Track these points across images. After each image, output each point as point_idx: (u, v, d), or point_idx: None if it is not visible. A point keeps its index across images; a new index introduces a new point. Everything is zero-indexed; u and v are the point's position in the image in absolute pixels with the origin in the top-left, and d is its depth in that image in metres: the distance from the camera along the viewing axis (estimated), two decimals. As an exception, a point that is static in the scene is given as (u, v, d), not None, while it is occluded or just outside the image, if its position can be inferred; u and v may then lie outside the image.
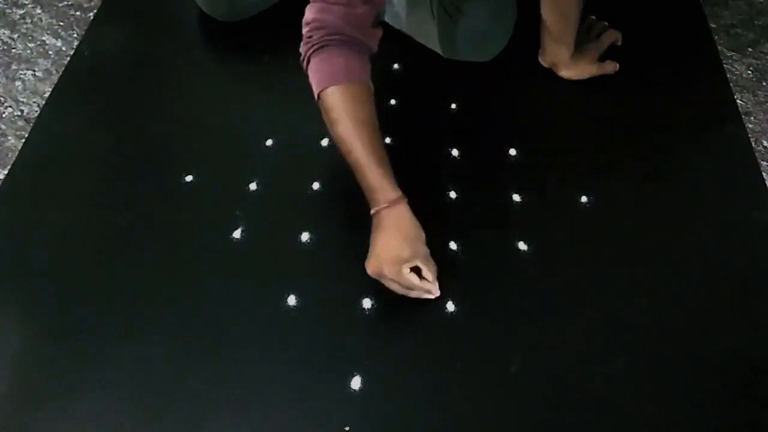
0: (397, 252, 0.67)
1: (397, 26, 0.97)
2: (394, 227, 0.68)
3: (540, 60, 0.94)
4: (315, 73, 0.72)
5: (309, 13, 0.73)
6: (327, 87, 0.70)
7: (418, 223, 0.69)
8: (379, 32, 0.76)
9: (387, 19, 0.98)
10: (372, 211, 0.69)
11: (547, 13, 0.86)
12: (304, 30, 0.73)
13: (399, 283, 0.68)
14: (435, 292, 0.69)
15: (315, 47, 0.72)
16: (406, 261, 0.67)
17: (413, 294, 0.69)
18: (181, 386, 0.66)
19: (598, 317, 0.71)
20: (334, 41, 0.71)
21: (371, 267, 0.68)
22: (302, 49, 0.74)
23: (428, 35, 0.92)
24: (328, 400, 0.65)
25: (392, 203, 0.68)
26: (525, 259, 0.75)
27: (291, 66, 0.97)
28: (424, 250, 0.69)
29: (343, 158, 0.71)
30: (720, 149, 0.87)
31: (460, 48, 0.92)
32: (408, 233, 0.68)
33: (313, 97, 0.72)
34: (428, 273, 0.68)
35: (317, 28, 0.72)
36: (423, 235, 0.69)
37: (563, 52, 0.90)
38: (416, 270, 0.68)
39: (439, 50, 0.93)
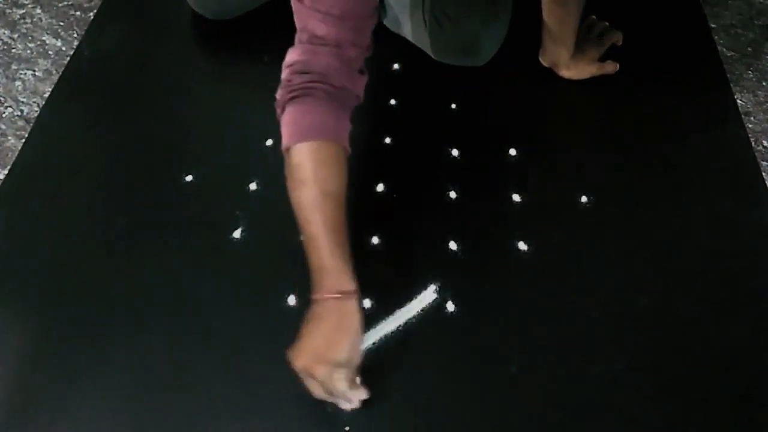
0: (335, 351, 0.58)
1: (396, 30, 0.97)
2: (339, 323, 0.59)
3: (540, 60, 0.94)
4: (288, 124, 0.64)
5: (292, 55, 0.66)
6: (298, 142, 0.62)
7: (361, 320, 0.60)
8: (365, 80, 0.68)
9: (386, 23, 0.98)
10: (315, 296, 0.60)
11: (548, 13, 0.86)
12: (284, 73, 0.65)
13: (325, 388, 0.59)
14: (355, 403, 0.62)
15: (294, 94, 0.64)
16: (342, 367, 0.59)
17: (330, 399, 0.61)
18: (181, 386, 0.66)
19: (598, 317, 0.71)
20: (318, 90, 0.63)
21: (301, 360, 0.59)
22: (279, 94, 0.66)
23: (422, 41, 0.92)
24: (328, 401, 0.65)
25: (344, 295, 0.59)
26: (525, 259, 0.75)
27: (291, 66, 0.97)
28: (359, 358, 0.61)
29: (300, 226, 0.62)
30: (720, 149, 0.87)
31: (451, 55, 0.91)
32: (352, 335, 0.59)
33: (280, 149, 0.64)
34: (350, 379, 0.60)
35: (300, 72, 0.64)
36: (361, 335, 0.61)
37: (564, 52, 0.90)
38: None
39: (432, 56, 0.93)
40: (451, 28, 0.88)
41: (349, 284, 0.60)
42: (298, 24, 0.67)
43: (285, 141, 0.64)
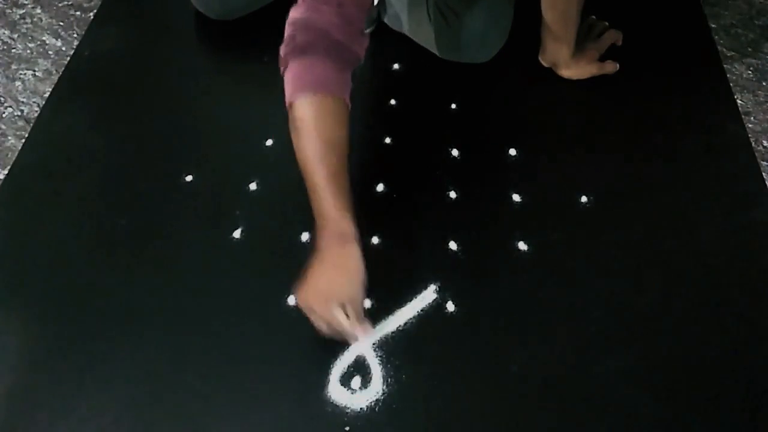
0: (335, 289, 0.62)
1: (397, 28, 0.97)
2: (339, 263, 0.62)
3: (540, 59, 0.94)
4: (290, 79, 0.66)
5: (294, 12, 0.67)
6: (301, 96, 0.64)
7: (362, 264, 0.63)
8: (367, 41, 0.70)
9: (387, 20, 0.98)
10: (320, 241, 0.63)
11: (548, 12, 0.86)
12: (288, 30, 0.67)
13: (327, 323, 0.63)
14: (360, 336, 0.64)
15: (297, 50, 0.66)
16: (341, 301, 0.62)
17: (337, 336, 0.64)
18: (180, 386, 0.67)
19: (598, 317, 0.71)
20: (319, 46, 0.65)
21: (301, 297, 0.63)
22: (282, 50, 0.67)
23: (426, 37, 0.92)
24: (328, 401, 0.65)
25: (345, 239, 0.62)
26: (525, 259, 0.75)
27: (291, 66, 0.97)
28: (362, 298, 0.63)
29: (303, 177, 0.65)
30: (720, 149, 0.87)
31: (455, 50, 0.91)
32: (353, 274, 0.62)
33: (284, 103, 0.66)
34: (355, 319, 0.62)
35: (303, 28, 0.66)
36: (365, 279, 0.63)
37: (563, 51, 0.90)
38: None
39: (436, 52, 0.93)
40: (456, 24, 0.88)
41: (349, 229, 0.63)
42: None
43: (288, 95, 0.66)
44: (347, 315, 0.62)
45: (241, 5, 0.99)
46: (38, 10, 1.15)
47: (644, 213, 0.80)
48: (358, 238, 0.64)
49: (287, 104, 0.66)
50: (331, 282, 0.62)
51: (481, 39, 0.91)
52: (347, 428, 0.63)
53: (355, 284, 0.63)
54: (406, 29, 0.94)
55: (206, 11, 0.99)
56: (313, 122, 0.64)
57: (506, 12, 0.91)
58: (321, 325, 0.63)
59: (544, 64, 0.94)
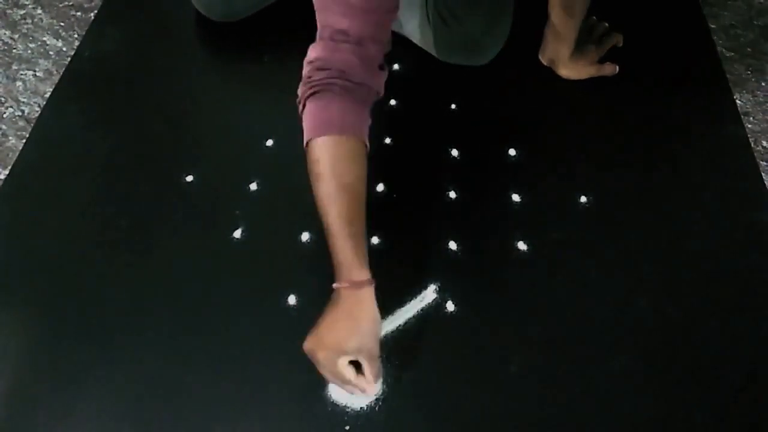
0: (342, 340, 0.59)
1: (398, 30, 0.97)
2: (349, 311, 0.60)
3: (540, 57, 0.94)
4: (309, 118, 0.64)
5: (313, 52, 0.66)
6: (318, 136, 0.63)
7: (378, 315, 0.62)
8: (386, 75, 0.69)
9: None
10: (334, 285, 0.62)
11: (552, 5, 0.85)
12: (306, 69, 0.66)
13: (329, 374, 0.61)
14: (370, 391, 0.60)
15: (314, 89, 0.64)
16: (346, 354, 0.59)
17: (346, 389, 0.62)
18: (180, 386, 0.67)
19: (598, 317, 0.71)
20: (337, 86, 0.64)
21: (307, 344, 0.61)
22: (300, 90, 0.66)
23: (425, 39, 0.92)
24: (328, 401, 0.65)
25: (356, 285, 0.60)
26: (525, 259, 0.75)
27: (291, 66, 0.96)
28: (373, 346, 0.61)
29: (321, 218, 0.64)
30: (719, 149, 0.87)
31: (454, 53, 0.92)
32: (362, 323, 0.60)
33: (302, 144, 0.65)
34: (369, 371, 0.60)
35: (320, 69, 0.65)
36: (379, 329, 0.62)
37: (564, 49, 0.90)
38: (356, 364, 0.60)
39: (435, 54, 0.93)
40: (456, 26, 0.88)
41: (361, 275, 0.61)
42: (319, 20, 0.67)
43: (305, 136, 0.65)
44: (359, 366, 0.60)
45: (243, 7, 0.99)
46: (39, 11, 1.15)
47: (644, 213, 0.80)
48: (373, 283, 0.62)
49: (304, 144, 0.65)
50: (341, 333, 0.60)
51: (480, 42, 0.91)
52: (347, 428, 0.63)
53: (367, 335, 0.60)
54: (406, 31, 0.94)
55: (208, 13, 0.99)
56: (328, 165, 0.63)
57: (505, 15, 0.91)
58: (323, 373, 0.62)
59: (544, 62, 0.94)
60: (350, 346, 0.59)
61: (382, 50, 0.68)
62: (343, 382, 0.60)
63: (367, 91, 0.67)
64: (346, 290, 0.61)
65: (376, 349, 0.61)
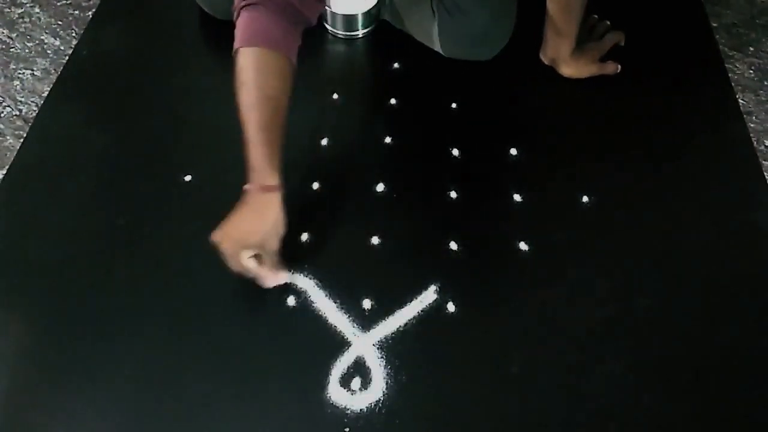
0: (246, 235, 0.66)
1: (398, 26, 0.97)
2: (256, 211, 0.67)
3: (541, 56, 0.93)
4: (240, 28, 0.69)
5: None
6: (246, 46, 0.68)
7: (282, 218, 0.68)
8: (321, 6, 0.74)
9: (387, 17, 0.98)
10: (245, 187, 0.68)
11: (552, 3, 0.85)
12: None
13: (232, 262, 0.67)
14: (269, 281, 0.68)
15: (247, 2, 0.69)
16: (249, 247, 0.66)
17: (248, 277, 0.68)
18: (180, 386, 0.66)
19: (598, 317, 0.71)
20: (268, 3, 0.69)
21: (215, 237, 0.67)
22: (236, 2, 0.71)
23: (428, 34, 0.92)
24: (328, 402, 0.65)
25: (265, 189, 0.67)
26: (525, 259, 0.75)
27: (290, 65, 0.97)
28: (274, 243, 0.68)
29: (241, 125, 0.69)
30: (721, 149, 0.87)
31: (460, 47, 0.91)
32: (266, 224, 0.67)
33: (231, 53, 0.70)
34: (268, 263, 0.67)
35: None
36: (281, 231, 0.68)
37: (565, 47, 0.89)
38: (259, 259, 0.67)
39: (439, 48, 0.92)
40: (462, 19, 0.88)
41: (273, 180, 0.67)
42: None
43: (235, 44, 0.69)
44: (262, 261, 0.67)
45: None
46: (37, 9, 1.15)
47: (645, 213, 0.80)
48: (281, 188, 0.68)
49: (234, 52, 0.69)
50: (247, 229, 0.67)
51: (486, 35, 0.90)
52: (347, 429, 0.63)
53: (271, 232, 0.67)
54: (407, 26, 0.94)
55: (213, 12, 0.99)
56: (252, 73, 0.67)
57: (511, 8, 0.91)
58: (231, 266, 0.68)
59: (545, 60, 0.93)
60: (253, 240, 0.66)
61: None
62: (245, 271, 0.67)
63: (299, 14, 0.71)
64: (255, 192, 0.67)
65: (275, 246, 0.69)
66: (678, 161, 0.85)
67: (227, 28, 1.00)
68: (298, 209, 0.80)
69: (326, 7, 0.98)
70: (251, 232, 0.67)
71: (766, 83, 1.00)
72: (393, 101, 0.92)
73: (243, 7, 0.70)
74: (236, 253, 0.66)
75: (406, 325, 0.70)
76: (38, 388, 0.67)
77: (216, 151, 0.87)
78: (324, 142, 0.87)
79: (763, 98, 0.98)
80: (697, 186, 0.83)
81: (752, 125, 0.93)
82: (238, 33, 0.69)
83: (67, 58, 1.01)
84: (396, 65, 0.96)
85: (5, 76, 1.04)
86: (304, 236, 0.77)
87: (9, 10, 1.15)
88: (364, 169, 0.83)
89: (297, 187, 0.82)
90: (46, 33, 1.10)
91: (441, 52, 0.92)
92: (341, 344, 0.69)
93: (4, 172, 0.87)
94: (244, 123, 0.68)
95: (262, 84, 0.67)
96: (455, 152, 0.86)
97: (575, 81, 0.92)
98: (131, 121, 0.92)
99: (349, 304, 0.71)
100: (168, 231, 0.79)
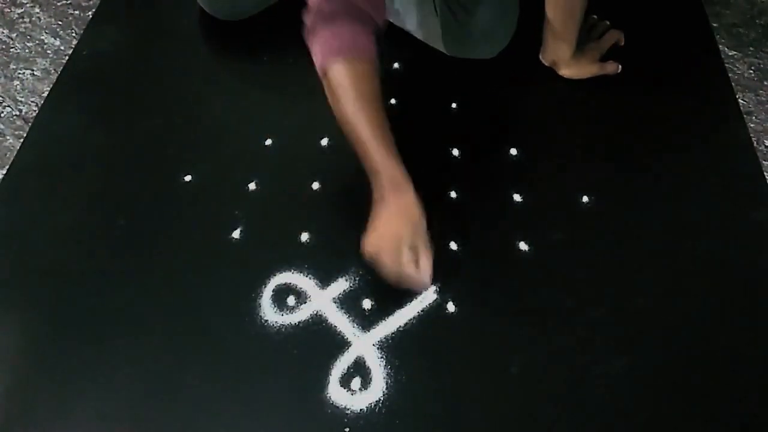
0: (399, 231, 0.65)
1: (398, 24, 0.96)
2: (399, 212, 0.66)
3: (541, 58, 0.93)
4: (322, 44, 0.68)
5: None
6: (334, 61, 0.67)
7: (422, 210, 0.67)
8: (385, 10, 0.74)
9: (388, 16, 0.98)
10: (376, 195, 0.67)
11: (551, 7, 0.85)
12: (312, 0, 0.70)
13: (394, 268, 0.66)
14: (428, 281, 0.68)
15: (325, 18, 0.68)
16: (407, 242, 0.65)
17: (404, 284, 0.68)
18: (180, 386, 0.66)
19: (598, 317, 0.71)
20: (342, 13, 0.68)
21: (370, 245, 0.67)
22: (308, 18, 0.70)
23: (431, 32, 0.92)
24: (328, 402, 0.65)
25: (399, 187, 0.66)
26: (525, 259, 0.75)
27: (291, 66, 0.97)
28: (426, 239, 0.67)
29: (348, 138, 0.69)
30: (721, 149, 0.87)
31: (463, 45, 0.91)
32: (412, 218, 0.66)
33: (316, 70, 0.69)
34: (425, 261, 0.67)
35: None
36: (425, 222, 0.68)
37: (564, 49, 0.89)
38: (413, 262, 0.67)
39: (441, 47, 0.92)
40: (464, 17, 0.87)
41: (403, 179, 0.67)
42: None
43: (320, 62, 0.69)
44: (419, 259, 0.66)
45: (249, 6, 0.99)
46: (37, 9, 1.15)
47: (645, 213, 0.80)
48: (411, 184, 0.67)
49: (320, 71, 0.69)
50: (396, 229, 0.65)
51: (490, 33, 0.90)
52: (347, 429, 0.63)
53: (419, 229, 0.66)
54: (409, 25, 0.94)
55: (214, 12, 0.99)
56: (350, 83, 0.67)
57: (513, 7, 0.90)
58: (389, 273, 0.66)
59: (545, 62, 0.93)
60: (409, 235, 0.65)
61: None
62: (406, 275, 0.66)
63: (372, 20, 0.71)
64: (391, 194, 0.66)
65: (426, 238, 0.67)
66: (678, 161, 0.85)
67: (227, 28, 1.01)
68: (298, 209, 0.80)
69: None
70: (403, 228, 0.66)
71: (766, 83, 0.99)
72: (393, 101, 0.92)
73: (318, 24, 0.68)
74: (398, 257, 0.65)
75: (406, 325, 0.70)
76: (38, 388, 0.67)
77: (216, 151, 0.87)
78: (324, 142, 0.87)
79: (763, 98, 0.97)
80: (697, 186, 0.83)
81: (752, 125, 0.93)
82: (323, 48, 0.68)
83: (67, 58, 1.01)
84: (396, 65, 0.96)
85: (5, 76, 1.04)
86: (304, 236, 0.77)
87: (9, 10, 1.15)
88: (363, 169, 0.83)
89: (297, 187, 0.83)
90: (46, 33, 1.10)
91: (444, 50, 0.92)
92: (341, 344, 0.69)
93: (4, 172, 0.87)
94: (353, 130, 0.67)
95: (363, 92, 0.67)
96: (455, 152, 0.86)
97: (575, 81, 0.92)
98: (131, 121, 0.92)
99: (349, 304, 0.71)
100: (168, 231, 0.79)
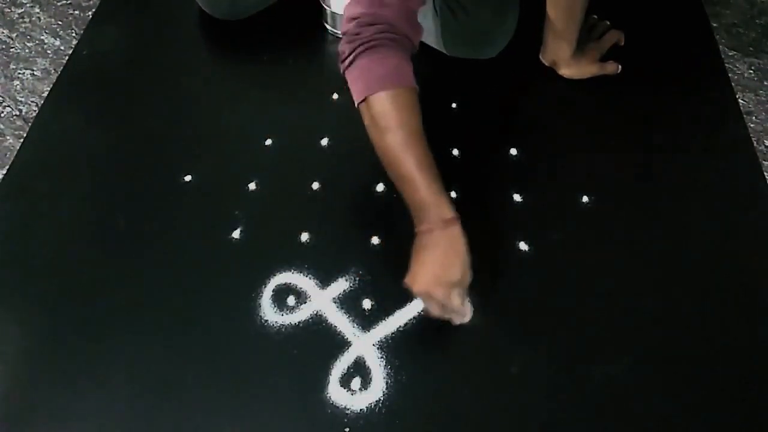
0: (452, 275, 0.64)
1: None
2: (448, 248, 0.64)
3: (541, 58, 0.93)
4: (363, 73, 0.66)
5: (356, 8, 0.68)
6: (377, 91, 0.65)
7: (467, 246, 0.65)
8: (421, 31, 0.72)
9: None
10: (421, 228, 0.65)
11: (551, 6, 0.85)
12: (350, 26, 0.67)
13: (444, 306, 0.65)
14: (469, 315, 0.67)
15: (366, 45, 0.65)
16: (458, 285, 0.64)
17: (447, 316, 0.66)
18: (180, 386, 0.66)
19: (599, 317, 0.71)
20: (387, 39, 0.66)
21: (420, 285, 0.64)
22: (346, 47, 0.67)
23: (431, 33, 0.92)
24: (328, 402, 0.65)
25: (447, 223, 0.64)
26: (526, 259, 0.75)
27: (291, 66, 0.97)
28: (469, 277, 0.66)
29: (389, 170, 0.66)
30: (721, 149, 0.87)
31: (463, 45, 0.91)
32: (462, 257, 0.64)
33: (354, 101, 0.67)
34: (466, 299, 0.66)
35: (368, 24, 0.66)
36: (469, 259, 0.65)
37: (565, 49, 0.89)
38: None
39: (441, 47, 0.92)
40: (464, 17, 0.87)
41: (450, 213, 0.65)
42: None
43: (361, 92, 0.66)
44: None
45: (249, 5, 0.99)
46: (37, 9, 1.15)
47: (645, 213, 0.80)
48: (459, 218, 0.65)
49: (360, 100, 0.67)
50: (444, 267, 0.64)
51: (489, 33, 0.90)
52: (347, 429, 0.63)
53: (466, 266, 0.65)
54: None
55: (213, 12, 0.99)
56: (395, 116, 0.65)
57: (513, 6, 0.90)
58: (434, 310, 0.65)
59: (545, 62, 0.93)
60: (459, 277, 0.64)
61: (420, 5, 0.71)
62: (454, 311, 0.65)
63: (410, 43, 0.70)
64: (441, 230, 0.64)
65: (470, 278, 0.66)
66: (678, 161, 0.85)
67: (227, 28, 1.01)
68: (298, 209, 0.80)
69: (326, 7, 0.98)
70: (454, 271, 0.64)
71: (766, 83, 0.99)
72: (393, 101, 0.92)
73: (361, 51, 0.66)
74: (449, 296, 0.64)
75: (406, 325, 0.70)
76: (38, 388, 0.67)
77: (216, 151, 0.87)
78: (324, 142, 0.87)
79: (763, 98, 0.97)
80: (697, 186, 0.83)
81: (752, 125, 0.93)
82: (365, 77, 0.66)
83: (67, 58, 1.01)
84: (396, 65, 0.96)
85: (5, 76, 1.04)
86: (304, 236, 0.77)
87: (9, 10, 1.15)
88: (364, 169, 0.83)
89: (297, 187, 0.82)
90: (46, 33, 1.10)
91: (444, 51, 0.92)
92: (341, 344, 0.69)
93: (4, 172, 0.87)
94: (397, 165, 0.65)
95: (407, 123, 0.65)
96: (455, 152, 0.86)
97: (575, 81, 0.92)
98: (131, 121, 0.92)
99: (349, 304, 0.71)
100: (168, 231, 0.79)
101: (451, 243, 0.64)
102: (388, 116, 0.65)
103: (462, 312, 0.66)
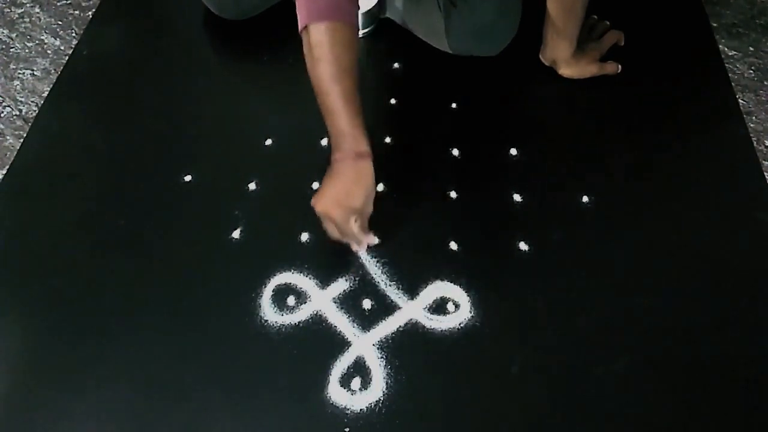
0: (352, 201, 0.69)
1: (398, 21, 0.96)
2: (355, 178, 0.69)
3: (541, 57, 0.93)
4: (306, 3, 0.69)
5: None
6: (315, 21, 0.68)
7: (375, 182, 0.70)
8: None
9: (390, 15, 0.98)
10: (336, 156, 0.69)
11: (552, 5, 0.85)
12: None
13: (341, 227, 0.70)
14: (367, 241, 0.73)
15: None
16: (355, 213, 0.69)
17: (345, 240, 0.72)
18: (180, 386, 0.66)
19: (599, 317, 0.71)
20: None
21: (321, 205, 0.69)
22: None
23: (433, 30, 0.91)
24: (328, 402, 0.65)
25: (360, 155, 0.68)
26: (525, 259, 0.75)
27: (291, 66, 0.97)
28: (371, 208, 0.71)
29: (318, 99, 0.69)
30: (721, 149, 0.87)
31: (467, 42, 0.90)
32: (367, 188, 0.69)
33: (298, 29, 0.70)
34: (363, 225, 0.71)
35: None
36: (374, 192, 0.71)
37: (565, 48, 0.89)
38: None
39: (443, 44, 0.92)
40: (467, 14, 0.87)
41: (365, 146, 0.69)
42: None
43: (303, 19, 0.69)
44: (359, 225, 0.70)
45: (254, 5, 0.99)
46: (37, 9, 1.15)
47: (645, 213, 0.80)
48: (371, 154, 0.69)
49: (301, 28, 0.69)
50: (347, 193, 0.68)
51: (492, 29, 0.89)
52: (347, 429, 0.63)
53: (369, 197, 0.70)
54: (411, 23, 0.93)
55: (220, 12, 0.99)
56: (328, 47, 0.67)
57: (516, 4, 0.90)
58: (333, 231, 0.71)
59: (545, 62, 0.93)
60: (357, 205, 0.69)
61: None
62: (350, 236, 0.71)
63: None
64: (351, 160, 0.68)
65: (371, 209, 0.72)
66: (678, 161, 0.85)
67: (227, 28, 1.01)
68: (298, 209, 0.80)
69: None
70: (355, 198, 0.69)
71: (766, 83, 0.99)
72: (393, 101, 0.92)
73: None
74: (346, 219, 0.69)
75: (406, 325, 0.70)
76: (38, 388, 0.67)
77: (216, 151, 0.87)
78: (324, 142, 0.87)
79: (763, 98, 0.97)
80: (697, 186, 0.83)
81: (752, 125, 0.93)
82: (308, 7, 0.69)
83: (67, 58, 1.01)
84: (396, 65, 0.96)
85: (5, 76, 1.04)
86: (304, 236, 0.77)
87: (9, 10, 1.15)
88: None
89: (297, 187, 0.83)
90: (46, 33, 1.10)
91: (447, 48, 0.92)
92: (341, 344, 0.69)
93: (4, 172, 0.87)
94: (325, 95, 0.68)
95: (339, 56, 0.67)
96: (455, 152, 0.86)
97: (575, 81, 0.92)
98: (131, 121, 0.92)
99: (349, 304, 0.72)
100: (168, 231, 0.79)
101: (360, 174, 0.68)
102: (324, 48, 0.67)
103: (358, 239, 0.71)
